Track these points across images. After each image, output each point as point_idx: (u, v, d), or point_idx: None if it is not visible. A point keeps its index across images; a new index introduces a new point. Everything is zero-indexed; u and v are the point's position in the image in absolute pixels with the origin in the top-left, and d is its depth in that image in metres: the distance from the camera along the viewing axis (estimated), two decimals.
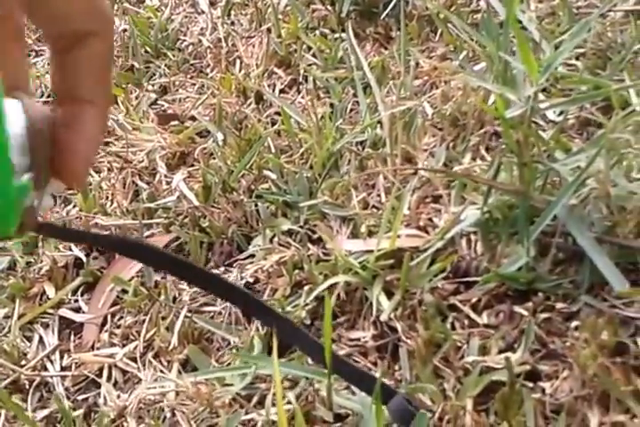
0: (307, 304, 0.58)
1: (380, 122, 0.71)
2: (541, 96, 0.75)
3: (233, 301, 0.42)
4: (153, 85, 0.90)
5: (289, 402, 0.50)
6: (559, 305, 0.53)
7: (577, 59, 0.77)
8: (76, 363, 0.55)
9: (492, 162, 0.60)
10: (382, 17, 0.89)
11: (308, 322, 0.56)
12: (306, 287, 0.59)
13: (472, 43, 0.82)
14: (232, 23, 0.99)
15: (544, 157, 0.59)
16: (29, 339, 0.58)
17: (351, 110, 0.77)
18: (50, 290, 0.61)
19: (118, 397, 0.51)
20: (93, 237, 0.36)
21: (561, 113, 0.70)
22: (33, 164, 0.27)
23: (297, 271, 0.60)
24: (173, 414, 0.50)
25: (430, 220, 0.62)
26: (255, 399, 0.50)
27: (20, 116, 0.26)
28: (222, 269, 0.62)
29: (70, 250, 0.64)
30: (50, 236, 0.43)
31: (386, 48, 0.88)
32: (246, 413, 0.49)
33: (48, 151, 0.28)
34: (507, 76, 0.64)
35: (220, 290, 0.39)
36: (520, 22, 0.81)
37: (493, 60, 0.69)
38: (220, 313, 0.58)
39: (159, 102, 0.88)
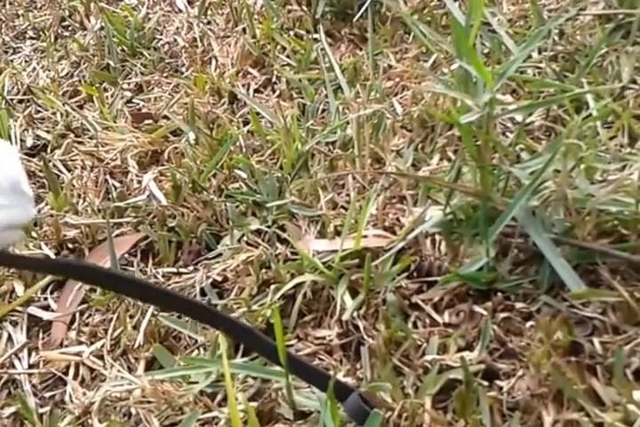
0: (273, 303, 0.59)
1: (349, 123, 0.72)
2: (510, 98, 0.77)
3: (188, 313, 0.43)
4: (129, 84, 0.91)
5: (250, 400, 0.51)
6: (519, 305, 0.54)
7: (551, 60, 0.78)
8: (44, 361, 0.55)
9: (452, 165, 0.61)
10: (356, 18, 0.90)
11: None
12: (273, 286, 0.59)
13: (443, 46, 0.83)
14: (208, 22, 0.99)
15: (504, 160, 0.60)
16: None
17: (323, 111, 0.78)
18: (19, 288, 0.62)
19: (84, 394, 0.52)
20: (39, 263, 0.37)
21: (530, 114, 0.71)
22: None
23: (264, 270, 0.61)
24: (138, 412, 0.50)
25: (398, 220, 0.63)
26: (219, 397, 0.51)
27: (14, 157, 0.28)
28: (191, 267, 0.63)
29: (40, 248, 0.65)
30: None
31: (360, 49, 0.89)
32: (210, 410, 0.50)
33: None
34: (468, 81, 0.65)
35: (174, 304, 0.40)
36: (490, 25, 0.83)
37: (457, 69, 0.70)
38: None
39: (134, 101, 0.89)
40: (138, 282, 0.41)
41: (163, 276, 0.62)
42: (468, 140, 0.55)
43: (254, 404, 0.51)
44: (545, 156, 0.54)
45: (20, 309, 0.61)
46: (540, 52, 0.82)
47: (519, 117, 0.73)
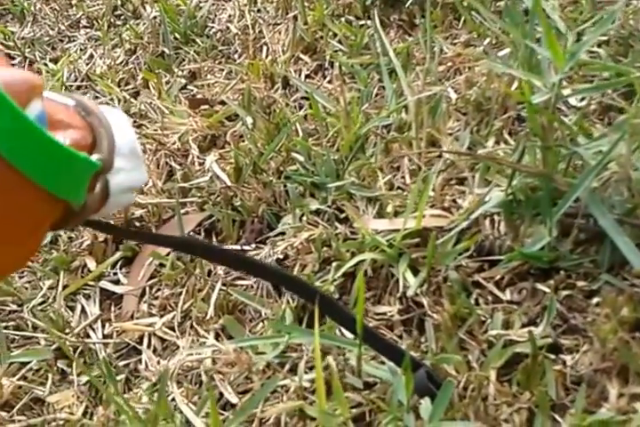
0: (335, 280, 0.60)
1: (405, 106, 0.73)
2: (564, 82, 0.77)
3: (283, 284, 0.46)
4: (182, 71, 0.93)
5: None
6: (580, 283, 0.55)
7: (599, 46, 0.79)
8: (117, 331, 0.58)
9: (516, 146, 0.62)
10: (407, 4, 0.91)
11: (337, 297, 0.59)
12: (334, 264, 0.61)
13: (495, 30, 0.84)
14: (258, 11, 1.01)
15: (567, 141, 0.61)
16: (72, 309, 0.61)
17: (376, 95, 0.79)
18: (91, 263, 0.64)
19: (158, 363, 0.54)
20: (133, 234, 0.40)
21: (582, 99, 0.72)
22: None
23: (325, 249, 0.63)
24: (211, 379, 0.52)
25: (454, 201, 0.64)
26: (287, 367, 0.53)
27: (129, 123, 0.30)
28: (253, 245, 0.65)
29: None
30: (103, 231, 0.47)
31: (410, 35, 0.90)
32: (279, 379, 0.52)
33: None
34: (532, 62, 0.66)
35: (258, 270, 0.43)
36: (543, 10, 0.83)
37: (517, 46, 0.71)
38: (252, 287, 0.61)
39: (189, 87, 0.91)
40: (239, 256, 0.43)
41: None
42: (535, 121, 0.56)
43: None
44: (610, 136, 0.55)
45: (92, 283, 0.63)
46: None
47: (573, 101, 0.73)
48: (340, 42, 0.88)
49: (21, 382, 0.55)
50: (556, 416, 0.48)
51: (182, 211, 0.68)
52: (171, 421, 0.46)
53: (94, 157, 0.29)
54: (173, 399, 0.50)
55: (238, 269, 0.50)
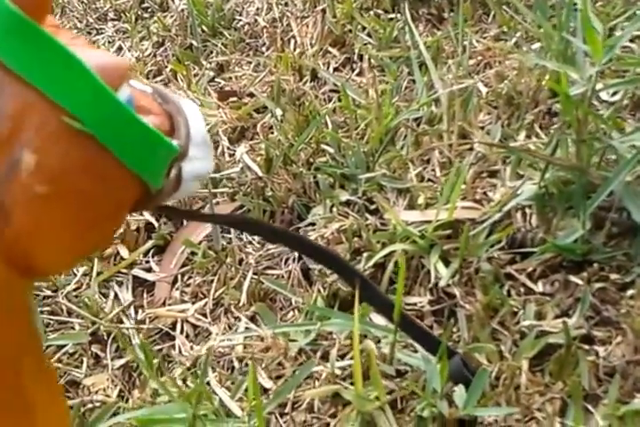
0: (365, 270, 0.61)
1: (435, 100, 0.73)
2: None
3: (330, 267, 0.46)
4: (211, 63, 0.94)
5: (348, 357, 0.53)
6: (613, 276, 0.55)
7: (632, 41, 0.78)
8: (150, 317, 0.59)
9: (550, 138, 0.62)
10: None
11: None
12: (364, 254, 0.61)
13: (525, 24, 0.84)
14: (286, 4, 1.01)
15: (601, 135, 0.61)
16: (105, 296, 0.62)
17: (405, 88, 0.80)
18: (123, 251, 0.65)
19: (191, 348, 0.55)
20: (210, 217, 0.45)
21: (614, 93, 0.71)
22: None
23: (355, 239, 0.63)
24: (244, 365, 0.53)
25: (485, 194, 0.64)
26: (319, 354, 0.53)
27: (199, 113, 0.31)
28: (270, 241, 0.65)
29: (142, 215, 0.68)
30: (171, 215, 0.49)
31: (438, 29, 0.90)
32: (314, 364, 0.52)
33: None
34: (566, 55, 0.66)
35: (309, 250, 0.43)
36: (574, 4, 0.83)
37: (550, 40, 0.71)
38: (282, 276, 0.61)
39: (217, 80, 0.91)
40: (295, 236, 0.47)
41: (257, 243, 0.64)
42: (571, 113, 0.56)
43: (351, 362, 0.53)
44: None
45: (124, 271, 0.64)
46: None
47: (605, 96, 0.73)
48: (368, 35, 0.88)
49: (58, 365, 0.56)
50: (589, 406, 0.48)
51: (214, 201, 0.68)
52: (209, 403, 0.46)
53: (174, 144, 0.30)
54: (208, 383, 0.51)
55: (290, 247, 0.52)
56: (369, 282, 0.46)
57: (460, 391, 0.46)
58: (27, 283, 0.28)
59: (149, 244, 0.65)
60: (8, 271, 0.25)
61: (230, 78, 0.90)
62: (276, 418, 0.50)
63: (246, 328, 0.56)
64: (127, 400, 0.52)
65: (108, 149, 0.26)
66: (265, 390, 0.51)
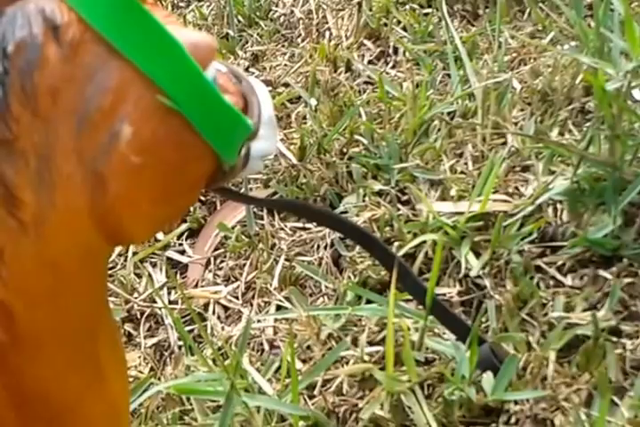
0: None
1: (469, 94, 0.74)
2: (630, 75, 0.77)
3: (369, 250, 0.48)
4: (246, 53, 0.95)
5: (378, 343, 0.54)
6: None
7: None
8: (182, 298, 0.60)
9: (584, 134, 0.62)
10: None
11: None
12: (395, 244, 0.62)
13: (560, 22, 0.84)
14: None
15: (636, 131, 0.61)
16: (139, 276, 0.64)
17: (440, 82, 0.80)
18: (158, 233, 0.66)
19: (223, 329, 0.56)
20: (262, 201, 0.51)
21: None
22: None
23: (387, 229, 0.64)
24: (271, 348, 0.54)
25: (517, 188, 0.65)
26: (349, 339, 0.54)
27: (268, 93, 0.32)
28: (314, 223, 0.66)
29: None
30: (228, 197, 0.51)
31: (473, 25, 0.90)
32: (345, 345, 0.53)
33: None
34: (602, 52, 0.66)
35: (361, 240, 0.46)
36: (611, 4, 0.83)
37: (586, 37, 0.71)
38: (313, 262, 0.62)
39: (251, 70, 0.93)
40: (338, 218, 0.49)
41: (290, 229, 0.66)
42: (606, 109, 0.56)
43: (379, 348, 0.54)
44: None
45: (158, 252, 0.66)
46: None
47: (638, 95, 0.73)
48: (404, 29, 0.89)
49: None
50: (615, 398, 0.48)
51: (248, 187, 0.69)
52: (243, 379, 0.48)
53: (249, 122, 0.31)
54: (238, 363, 0.52)
55: (328, 226, 0.54)
56: (405, 265, 0.47)
57: (488, 378, 0.47)
58: (107, 251, 0.29)
59: (184, 227, 0.67)
60: (98, 238, 0.27)
61: (265, 68, 0.91)
62: (305, 400, 0.51)
63: (279, 308, 0.57)
64: (159, 378, 0.54)
65: (193, 124, 0.27)
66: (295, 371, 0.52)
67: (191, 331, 0.59)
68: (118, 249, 0.66)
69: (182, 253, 0.66)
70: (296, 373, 0.45)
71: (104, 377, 0.29)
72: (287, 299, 0.59)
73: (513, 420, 0.49)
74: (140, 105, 0.26)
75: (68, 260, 0.26)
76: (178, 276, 0.64)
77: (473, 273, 0.57)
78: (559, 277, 0.56)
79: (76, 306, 0.27)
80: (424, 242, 0.62)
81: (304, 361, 0.55)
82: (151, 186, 0.27)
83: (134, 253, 0.65)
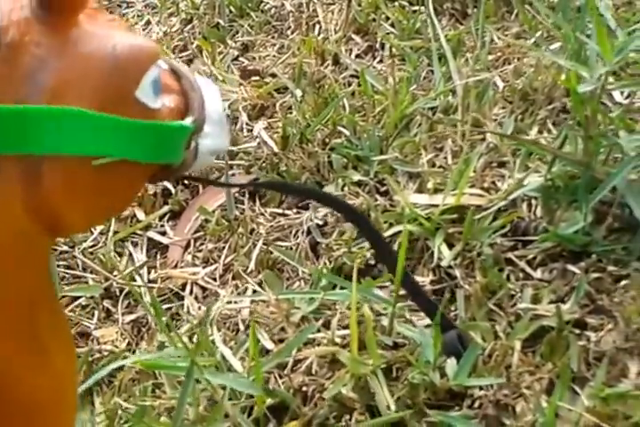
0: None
1: (452, 90, 0.75)
2: (611, 80, 0.79)
3: (355, 225, 0.50)
4: (236, 43, 0.96)
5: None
6: (610, 268, 0.57)
7: None
8: (162, 278, 0.61)
9: (558, 133, 0.64)
10: None
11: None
12: None
13: (547, 24, 0.85)
14: None
15: (609, 132, 0.63)
16: (120, 255, 0.65)
17: (424, 78, 0.82)
18: (140, 214, 0.67)
19: (199, 308, 0.57)
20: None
21: (629, 96, 0.73)
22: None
23: None
24: (247, 328, 0.55)
25: (494, 183, 0.66)
26: (321, 322, 0.56)
27: (218, 93, 0.33)
28: (294, 210, 0.68)
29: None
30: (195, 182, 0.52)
31: (461, 24, 0.92)
32: (312, 332, 0.54)
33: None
34: (580, 55, 0.68)
35: (345, 215, 0.46)
36: (597, 9, 0.85)
37: (568, 40, 0.73)
38: (291, 248, 0.64)
39: (240, 59, 0.93)
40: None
41: (269, 215, 0.67)
42: (579, 110, 0.58)
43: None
44: None
45: (140, 232, 0.66)
46: None
47: (619, 98, 0.75)
48: (392, 25, 0.90)
49: (70, 314, 0.59)
50: (576, 388, 0.50)
51: (230, 172, 0.70)
52: (211, 355, 0.48)
53: (188, 120, 0.32)
54: (213, 342, 0.53)
55: (315, 200, 0.56)
56: (389, 246, 0.48)
57: (452, 363, 0.49)
58: (48, 239, 0.30)
59: (165, 208, 0.67)
60: (31, 226, 0.28)
61: (254, 58, 0.92)
62: (276, 378, 0.52)
63: (254, 291, 0.58)
64: (134, 352, 0.54)
65: (123, 158, 0.29)
66: (267, 352, 0.53)
67: (169, 309, 0.60)
68: (100, 228, 0.67)
69: (163, 234, 0.67)
70: (257, 350, 0.46)
71: (45, 350, 0.30)
72: (265, 281, 0.60)
73: (477, 404, 0.50)
74: (77, 106, 0.27)
75: (1, 243, 0.27)
76: (158, 256, 0.65)
77: (444, 263, 0.58)
78: (529, 270, 0.57)
79: (11, 281, 0.28)
80: (400, 232, 0.63)
81: (281, 341, 0.56)
82: (86, 181, 0.28)
83: (115, 233, 0.66)
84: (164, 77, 0.32)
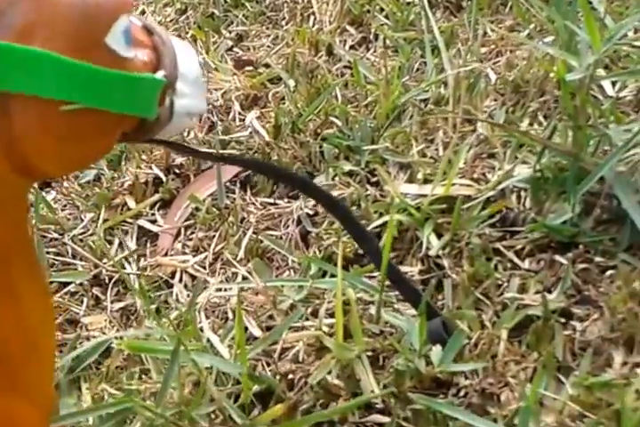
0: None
1: (444, 82, 0.75)
2: (602, 72, 0.79)
3: (326, 206, 0.50)
4: (230, 33, 0.96)
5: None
6: (598, 259, 0.57)
7: None
8: (152, 266, 0.61)
9: (547, 124, 0.64)
10: None
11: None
12: (362, 222, 0.64)
13: (540, 17, 0.85)
14: None
15: (598, 123, 0.63)
16: (110, 242, 0.65)
17: (417, 70, 0.82)
18: (130, 202, 0.67)
19: (188, 296, 0.57)
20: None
21: (620, 89, 0.73)
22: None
23: (354, 208, 0.65)
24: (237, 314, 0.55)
25: (484, 175, 0.67)
26: (309, 310, 0.56)
27: (196, 56, 0.33)
28: (285, 200, 0.68)
29: (151, 169, 0.70)
30: (171, 148, 0.51)
31: (455, 16, 0.92)
32: (301, 320, 0.55)
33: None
34: (571, 45, 0.68)
35: (313, 192, 0.48)
36: (590, 3, 0.85)
37: (560, 32, 0.73)
38: (281, 238, 0.64)
39: (235, 49, 0.93)
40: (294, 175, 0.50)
41: (260, 204, 0.67)
42: (568, 100, 0.58)
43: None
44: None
45: (130, 220, 0.67)
46: (635, 32, 0.84)
47: (610, 91, 0.75)
48: (386, 17, 0.90)
49: (60, 300, 0.59)
50: (561, 377, 0.50)
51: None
52: (198, 340, 0.49)
53: (159, 74, 0.32)
54: (201, 329, 0.53)
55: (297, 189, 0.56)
56: (371, 236, 0.48)
57: (437, 350, 0.49)
58: (24, 182, 0.30)
59: (156, 197, 0.68)
60: (4, 164, 0.28)
61: (248, 48, 0.92)
62: (263, 366, 0.53)
63: (243, 278, 0.58)
64: (122, 338, 0.55)
65: (91, 106, 0.29)
66: (255, 339, 0.53)
67: (158, 297, 0.60)
68: (90, 215, 0.67)
69: (153, 222, 0.67)
70: (243, 335, 0.46)
71: (17, 302, 0.30)
72: (255, 270, 0.60)
73: (462, 393, 0.51)
74: (45, 48, 0.27)
75: None
76: (148, 244, 0.65)
77: (432, 253, 0.58)
78: (516, 260, 0.58)
79: None
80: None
81: (269, 329, 0.56)
82: (55, 125, 0.28)
83: (105, 220, 0.66)
84: (137, 32, 0.32)
